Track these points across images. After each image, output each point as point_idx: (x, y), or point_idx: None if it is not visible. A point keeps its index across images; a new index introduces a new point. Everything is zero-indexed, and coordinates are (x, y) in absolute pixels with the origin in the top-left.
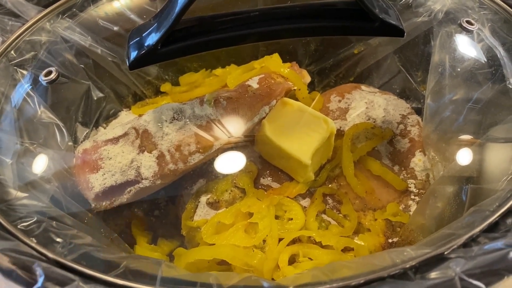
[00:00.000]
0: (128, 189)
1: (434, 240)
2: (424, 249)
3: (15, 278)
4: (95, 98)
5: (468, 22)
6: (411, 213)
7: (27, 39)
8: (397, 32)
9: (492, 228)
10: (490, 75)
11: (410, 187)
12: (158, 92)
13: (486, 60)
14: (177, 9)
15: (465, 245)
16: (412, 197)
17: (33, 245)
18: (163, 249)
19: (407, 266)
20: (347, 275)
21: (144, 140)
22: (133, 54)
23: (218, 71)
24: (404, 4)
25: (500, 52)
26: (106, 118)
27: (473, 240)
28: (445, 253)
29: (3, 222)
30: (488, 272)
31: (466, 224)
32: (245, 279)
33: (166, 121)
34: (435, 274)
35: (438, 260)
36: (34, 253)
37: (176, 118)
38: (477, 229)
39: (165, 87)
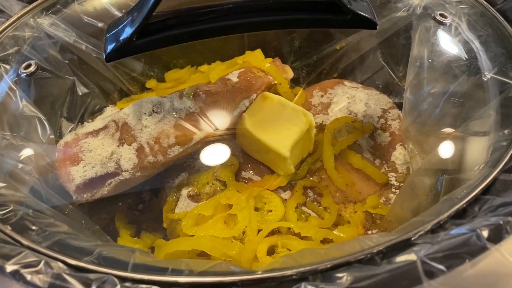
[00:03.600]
0: (109, 181)
1: (405, 227)
2: (393, 235)
3: None
4: (80, 94)
5: (441, 15)
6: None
7: (11, 34)
8: (369, 24)
9: (460, 214)
10: (466, 68)
11: (391, 180)
12: (143, 89)
13: (462, 54)
14: (151, 2)
15: (433, 231)
16: (393, 190)
17: (8, 231)
18: (145, 242)
19: (374, 251)
20: (316, 260)
21: (124, 133)
22: (110, 47)
23: (204, 67)
24: None
25: (476, 45)
26: (92, 114)
27: (440, 227)
28: (412, 238)
29: None
30: (450, 255)
31: (435, 211)
32: (216, 265)
33: (145, 114)
34: (399, 258)
35: (405, 246)
36: (8, 239)
37: (155, 111)
38: (445, 215)
39: (151, 83)
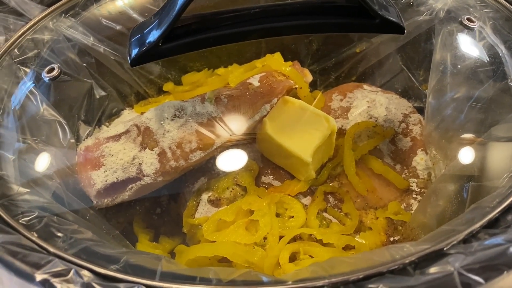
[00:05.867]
0: (130, 186)
1: (434, 236)
2: (423, 245)
3: (16, 271)
4: (98, 97)
5: (469, 19)
6: (413, 212)
7: (30, 37)
8: (397, 29)
9: (492, 224)
10: (492, 73)
11: (412, 186)
12: (160, 91)
13: (487, 58)
14: (178, 6)
15: (465, 241)
16: (414, 196)
17: (34, 239)
18: (164, 247)
19: (407, 261)
20: (346, 270)
21: (146, 137)
22: (135, 51)
23: (221, 70)
24: (405, 2)
25: (502, 50)
26: (109, 117)
27: (473, 236)
28: (445, 248)
29: (4, 217)
30: (487, 267)
31: (466, 220)
32: (244, 274)
33: (167, 118)
34: (434, 269)
35: (437, 256)
36: (35, 246)
37: (177, 115)
38: (477, 225)
39: (168, 86)
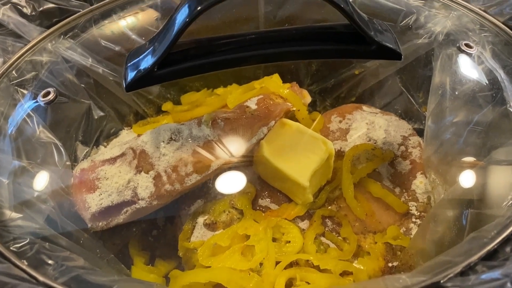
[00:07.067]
0: (125, 209)
1: (431, 267)
2: (420, 276)
3: None
4: (96, 117)
5: (467, 45)
6: (412, 236)
7: (29, 59)
8: (394, 55)
9: (491, 255)
10: (491, 98)
11: (411, 210)
12: (159, 111)
13: (486, 83)
14: (174, 32)
15: (462, 273)
16: (413, 220)
17: (24, 267)
18: (160, 270)
19: None
20: None
21: (141, 161)
22: (130, 76)
23: (220, 90)
24: (404, 25)
25: (501, 75)
26: (107, 137)
27: (470, 268)
28: (441, 281)
29: None
30: None
31: (464, 251)
32: None
33: (163, 141)
34: None
35: None
36: (25, 276)
37: (173, 138)
38: (475, 257)
39: (167, 106)
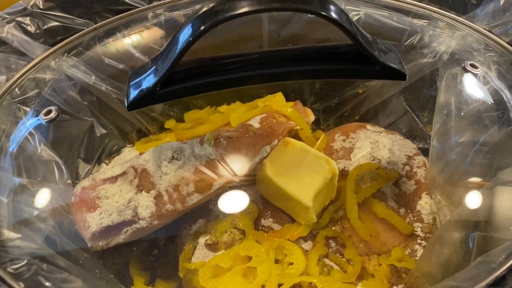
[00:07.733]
0: (125, 229)
1: None
2: None
3: None
4: (98, 135)
5: (472, 65)
6: (417, 258)
7: (32, 77)
8: (398, 75)
9: (499, 282)
10: (497, 118)
11: (417, 231)
12: (162, 129)
13: (492, 103)
14: (177, 51)
15: None
16: (419, 241)
17: None
18: None
19: None
20: None
21: (143, 180)
22: (132, 95)
23: (223, 108)
24: (408, 45)
25: (507, 95)
26: (109, 155)
27: None
28: None
29: None
30: None
31: (471, 276)
32: None
33: (165, 160)
34: None
35: None
36: None
37: (175, 157)
38: (483, 283)
39: (170, 123)
